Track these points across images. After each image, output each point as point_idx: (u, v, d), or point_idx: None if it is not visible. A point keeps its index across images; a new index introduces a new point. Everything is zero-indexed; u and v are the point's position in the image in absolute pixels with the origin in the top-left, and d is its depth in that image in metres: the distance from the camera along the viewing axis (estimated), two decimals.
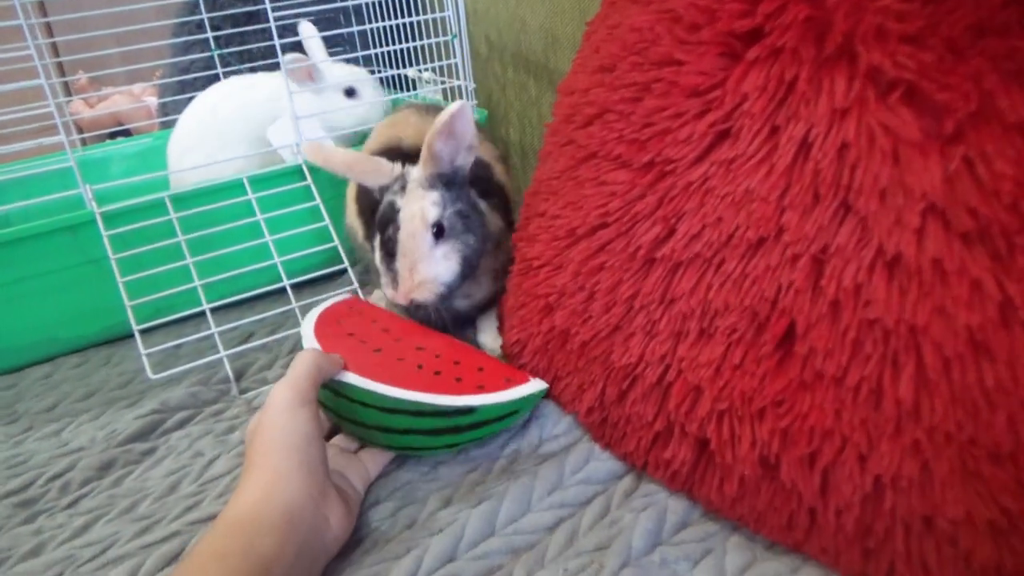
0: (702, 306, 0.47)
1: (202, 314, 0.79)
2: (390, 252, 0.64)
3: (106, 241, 0.78)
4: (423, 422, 0.55)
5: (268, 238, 0.84)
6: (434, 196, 0.63)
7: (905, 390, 0.39)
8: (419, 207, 0.62)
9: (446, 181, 0.64)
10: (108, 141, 1.40)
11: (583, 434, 0.58)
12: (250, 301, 0.89)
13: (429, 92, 1.12)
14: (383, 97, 1.07)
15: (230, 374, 0.75)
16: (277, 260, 0.82)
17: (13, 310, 0.81)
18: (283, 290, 0.82)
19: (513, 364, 0.67)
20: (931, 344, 0.38)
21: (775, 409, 0.43)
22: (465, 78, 0.98)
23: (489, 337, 0.74)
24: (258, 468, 0.47)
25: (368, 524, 0.53)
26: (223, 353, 0.75)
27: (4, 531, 0.58)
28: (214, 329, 0.76)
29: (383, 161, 0.67)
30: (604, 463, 0.55)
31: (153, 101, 1.70)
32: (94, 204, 0.80)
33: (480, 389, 0.55)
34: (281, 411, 0.49)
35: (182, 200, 0.83)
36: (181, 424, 0.70)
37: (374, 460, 0.58)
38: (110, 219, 0.80)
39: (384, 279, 0.66)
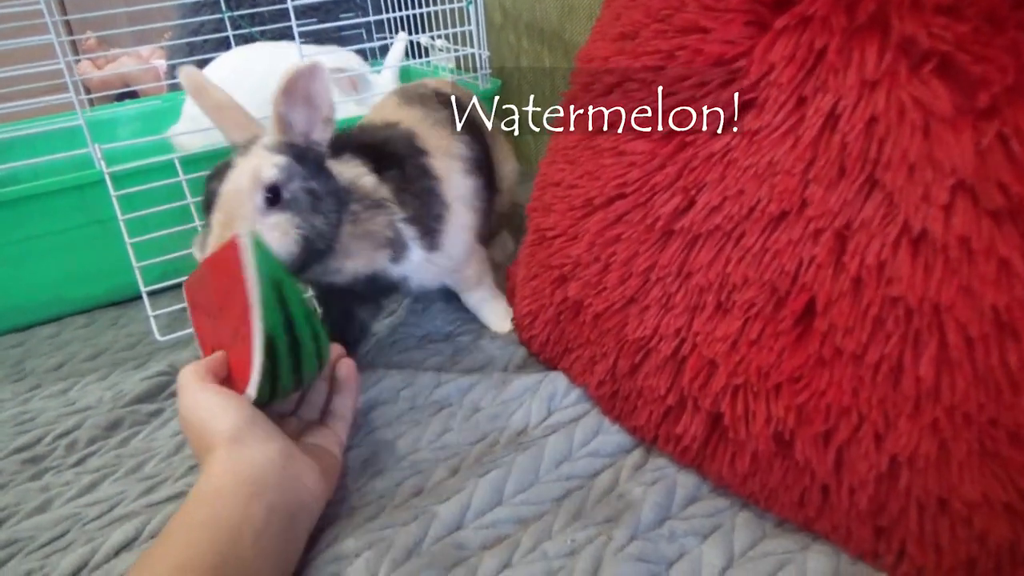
0: (720, 280, 0.46)
1: None
2: (208, 206, 0.55)
3: (115, 202, 0.77)
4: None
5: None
6: (278, 159, 0.54)
7: (926, 369, 0.38)
8: (254, 164, 0.54)
9: (298, 154, 0.56)
10: (115, 103, 1.39)
11: (592, 407, 0.58)
12: None
13: (442, 60, 1.10)
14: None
15: None
16: None
17: (21, 269, 0.81)
18: None
19: (524, 335, 0.66)
20: (955, 323, 0.37)
21: (792, 385, 0.43)
22: (479, 46, 0.96)
23: (496, 319, 0.73)
24: (207, 449, 0.46)
25: (374, 491, 0.53)
26: None
27: (12, 487, 0.58)
28: None
29: (256, 121, 0.60)
30: (613, 436, 0.55)
31: (161, 64, 1.68)
32: (103, 164, 0.79)
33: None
34: (195, 390, 0.48)
35: (192, 162, 0.82)
36: None
37: (342, 425, 0.56)
38: (119, 180, 0.79)
39: (196, 239, 0.56)
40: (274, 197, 0.54)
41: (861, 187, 0.40)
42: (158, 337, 0.73)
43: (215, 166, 0.57)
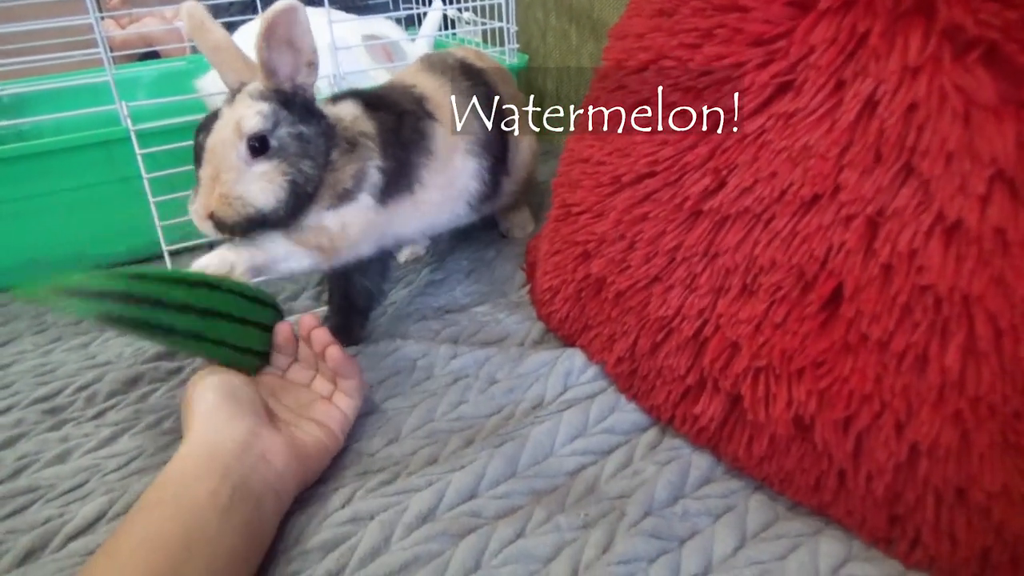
0: (747, 262, 0.46)
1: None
2: (197, 160, 0.55)
3: (140, 160, 0.77)
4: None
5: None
6: (262, 107, 0.54)
7: (952, 359, 0.38)
8: (238, 114, 0.54)
9: (284, 99, 0.55)
10: (136, 62, 1.39)
11: (609, 385, 0.58)
12: None
13: (468, 33, 1.09)
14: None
15: None
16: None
17: (43, 223, 0.81)
18: None
19: (543, 311, 0.66)
20: (984, 314, 0.37)
21: (815, 370, 0.43)
22: (508, 20, 0.95)
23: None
24: (185, 431, 0.48)
25: (390, 457, 0.54)
26: (252, 281, 0.75)
27: (32, 436, 0.59)
28: None
29: (253, 66, 0.57)
30: (629, 414, 0.55)
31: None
32: (129, 122, 0.79)
33: None
34: (195, 381, 0.51)
35: None
36: None
37: (348, 403, 0.55)
38: (144, 138, 0.79)
39: (191, 194, 0.56)
40: (260, 146, 0.54)
41: (897, 174, 0.40)
42: None
43: (203, 119, 0.57)
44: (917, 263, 0.39)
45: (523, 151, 0.82)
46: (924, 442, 0.39)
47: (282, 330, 0.57)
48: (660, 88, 0.51)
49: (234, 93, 0.57)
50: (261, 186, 0.54)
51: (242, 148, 0.53)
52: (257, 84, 0.56)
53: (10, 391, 0.64)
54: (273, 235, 0.59)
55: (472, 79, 0.74)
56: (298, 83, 0.57)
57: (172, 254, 0.75)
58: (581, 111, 0.64)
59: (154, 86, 1.11)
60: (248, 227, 0.55)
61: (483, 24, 1.03)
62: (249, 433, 0.47)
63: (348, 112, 0.60)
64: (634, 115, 0.53)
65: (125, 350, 0.70)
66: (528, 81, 1.25)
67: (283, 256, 0.60)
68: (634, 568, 0.43)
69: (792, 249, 0.44)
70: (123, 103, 0.79)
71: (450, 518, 0.48)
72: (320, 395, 0.56)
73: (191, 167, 0.78)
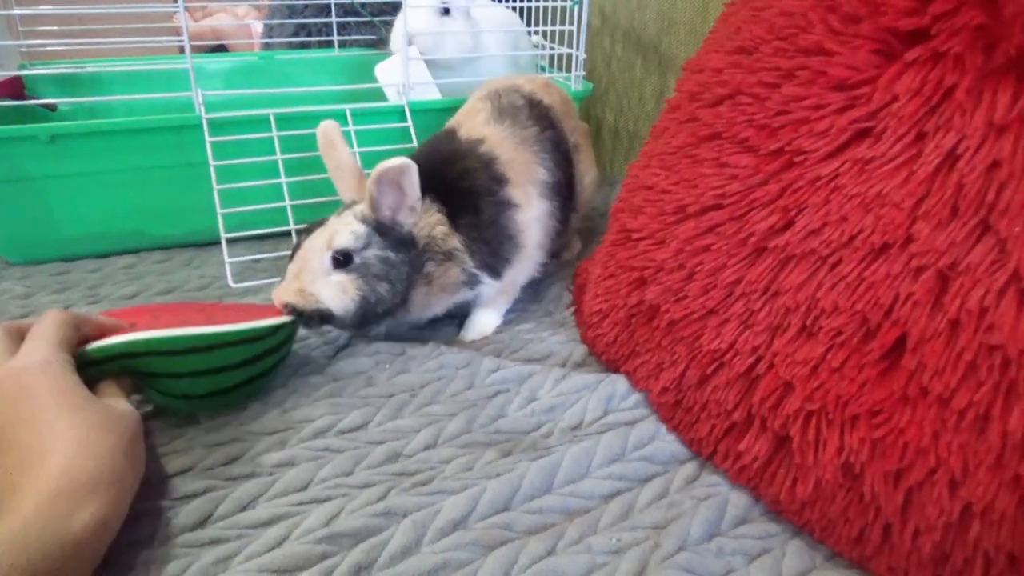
0: (808, 303, 0.46)
1: (281, 234, 0.81)
2: (292, 256, 0.62)
3: (208, 147, 0.79)
4: (232, 354, 0.55)
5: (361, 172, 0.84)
6: (357, 228, 0.61)
7: (1016, 422, 0.37)
8: (335, 228, 0.61)
9: (380, 228, 0.62)
10: (206, 53, 1.43)
11: (650, 413, 0.58)
12: None
13: (538, 56, 1.11)
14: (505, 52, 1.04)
15: None
16: None
17: (110, 198, 0.84)
18: None
19: (590, 334, 0.66)
20: None
21: (870, 419, 0.42)
22: (577, 47, 0.97)
23: (479, 328, 0.72)
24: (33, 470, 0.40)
25: (427, 461, 0.54)
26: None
27: None
28: None
29: (359, 185, 0.66)
30: (668, 445, 0.55)
31: (256, 23, 1.73)
32: (202, 109, 0.81)
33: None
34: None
35: (286, 120, 0.84)
36: None
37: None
38: (215, 127, 0.81)
39: (277, 281, 0.64)
40: (344, 260, 0.60)
41: (973, 230, 0.40)
42: (231, 283, 0.75)
43: (311, 222, 0.64)
44: (987, 321, 0.39)
45: (588, 186, 0.84)
46: (978, 504, 0.38)
47: None
48: (733, 123, 0.51)
49: (343, 209, 0.64)
50: (333, 292, 0.60)
51: (326, 258, 0.60)
52: (364, 207, 0.63)
53: None
54: (490, 310, 0.73)
55: (541, 123, 0.76)
56: (398, 220, 0.63)
57: (229, 241, 0.77)
58: (646, 140, 0.65)
59: (225, 78, 1.14)
60: (317, 321, 0.61)
61: (552, 49, 1.04)
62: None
63: (439, 230, 0.66)
64: (704, 147, 0.54)
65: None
66: (587, 107, 1.26)
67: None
68: None
69: (857, 295, 0.43)
70: (199, 91, 0.81)
71: (482, 528, 0.47)
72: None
73: (256, 159, 0.80)
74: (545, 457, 0.52)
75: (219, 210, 0.77)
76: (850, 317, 0.44)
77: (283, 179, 0.80)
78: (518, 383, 0.62)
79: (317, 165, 0.83)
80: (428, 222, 0.65)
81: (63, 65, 1.03)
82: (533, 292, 0.81)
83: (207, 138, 0.80)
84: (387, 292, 0.62)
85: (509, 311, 0.77)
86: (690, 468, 0.53)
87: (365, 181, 0.65)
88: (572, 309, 0.75)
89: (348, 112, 0.87)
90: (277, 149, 0.82)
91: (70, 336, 0.49)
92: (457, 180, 0.67)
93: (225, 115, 0.82)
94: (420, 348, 0.68)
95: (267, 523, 0.48)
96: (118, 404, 0.48)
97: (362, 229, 0.61)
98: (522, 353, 0.69)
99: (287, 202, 0.79)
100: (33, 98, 0.96)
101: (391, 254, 0.62)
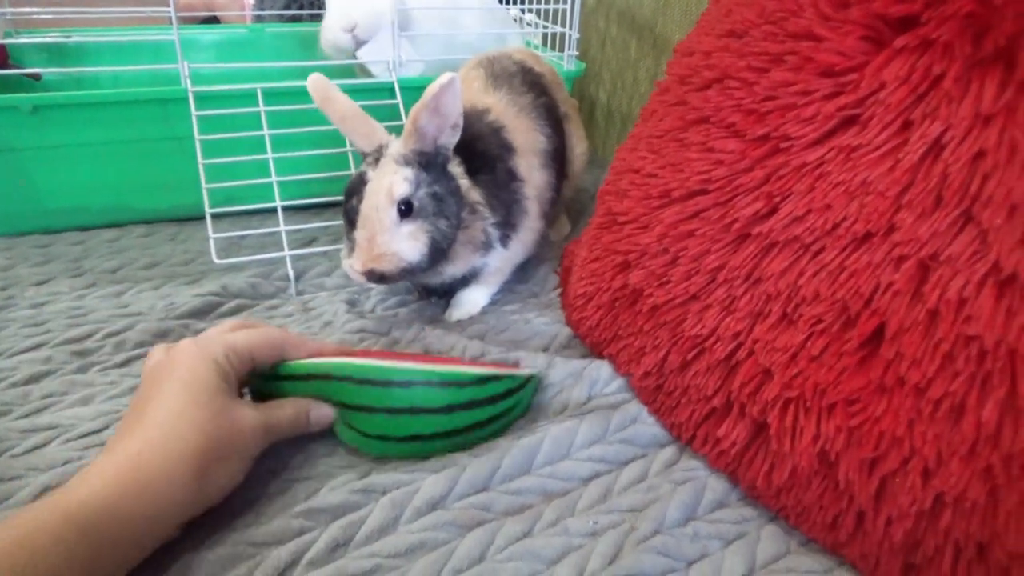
0: (789, 290, 0.46)
1: (268, 210, 0.80)
2: (351, 221, 0.61)
3: (194, 121, 0.78)
4: (431, 395, 0.51)
5: (349, 148, 0.84)
6: (407, 172, 0.60)
7: (990, 413, 0.37)
8: (388, 181, 0.59)
9: (425, 161, 0.62)
10: (197, 25, 1.41)
11: (632, 397, 0.58)
12: (318, 207, 0.89)
13: (530, 35, 1.10)
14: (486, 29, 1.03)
15: (291, 273, 0.76)
16: (354, 172, 0.82)
17: (93, 171, 0.83)
18: None
19: (574, 316, 0.66)
20: None
21: (847, 407, 0.42)
22: (570, 27, 0.95)
23: (466, 307, 0.72)
24: (138, 420, 0.44)
25: None
26: (288, 252, 0.76)
27: (59, 375, 0.60)
28: (282, 227, 0.77)
29: (378, 127, 0.64)
30: (649, 428, 0.55)
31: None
32: (189, 82, 0.80)
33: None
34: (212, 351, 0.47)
35: (273, 95, 0.83)
36: (237, 310, 0.71)
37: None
38: (201, 100, 0.80)
39: (344, 249, 0.63)
40: (406, 208, 0.60)
41: (955, 220, 0.40)
42: (215, 259, 0.74)
43: (351, 180, 0.63)
44: (965, 312, 0.39)
45: (579, 157, 0.84)
46: (950, 493, 0.39)
47: None
48: (721, 107, 0.51)
49: (375, 157, 0.62)
50: (410, 244, 0.60)
51: (393, 212, 0.59)
52: (398, 147, 0.62)
53: (42, 329, 0.66)
54: (481, 287, 0.72)
55: (534, 90, 0.77)
56: (440, 144, 0.62)
57: (214, 217, 0.76)
58: (636, 122, 0.64)
59: (213, 51, 1.12)
60: (400, 277, 0.61)
61: (545, 28, 1.03)
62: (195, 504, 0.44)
63: (463, 182, 0.65)
64: (691, 131, 0.53)
65: (158, 303, 0.71)
66: (580, 88, 1.25)
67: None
68: None
69: (838, 283, 0.43)
70: (185, 63, 0.80)
71: (460, 508, 0.48)
72: None
73: (243, 134, 0.79)
74: (526, 437, 0.52)
75: (204, 185, 0.76)
76: (830, 305, 0.44)
77: (270, 155, 0.79)
78: None
79: (304, 141, 0.83)
80: (454, 171, 0.65)
81: (49, 34, 1.02)
82: (520, 273, 0.81)
83: (193, 112, 0.79)
84: (447, 227, 0.62)
85: (498, 290, 0.77)
86: (670, 452, 0.54)
87: (375, 123, 0.64)
88: (558, 291, 0.75)
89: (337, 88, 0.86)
90: (264, 124, 0.81)
91: (253, 351, 0.50)
92: (471, 143, 0.66)
93: (211, 88, 0.81)
94: (405, 331, 0.67)
95: (246, 498, 0.48)
96: (247, 413, 0.47)
97: (409, 172, 0.60)
98: (507, 334, 0.69)
99: (274, 178, 0.78)
100: (17, 67, 0.94)
101: (437, 188, 0.61)
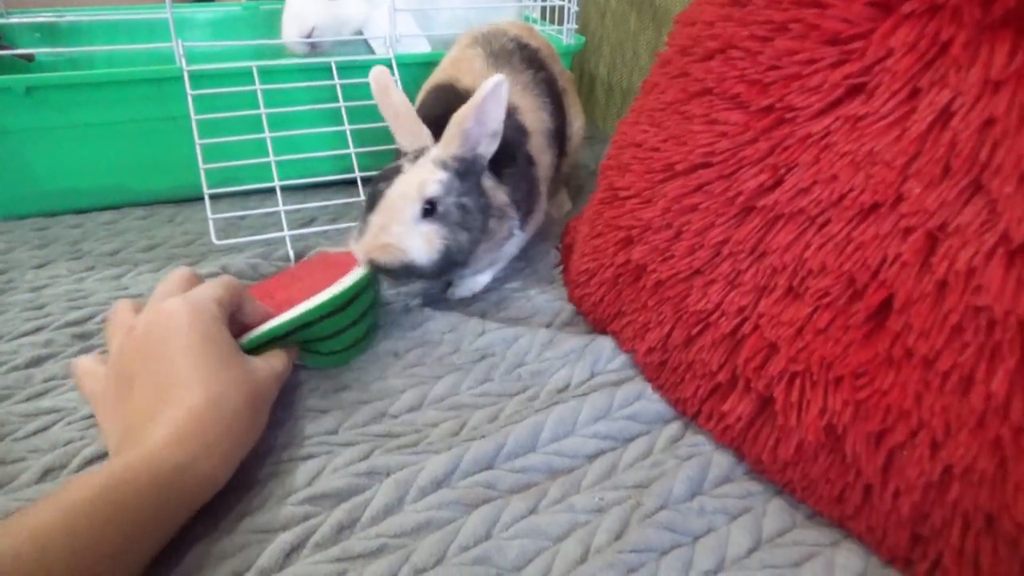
0: (795, 263, 0.45)
1: (266, 190, 0.80)
2: (371, 205, 0.60)
3: (190, 100, 0.77)
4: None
5: (347, 127, 0.83)
6: (442, 175, 0.59)
7: (999, 384, 0.37)
8: (423, 177, 0.59)
9: (464, 169, 0.61)
10: (192, 2, 1.39)
11: (636, 374, 0.58)
12: (317, 187, 0.89)
13: (528, 8, 1.08)
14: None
15: (291, 253, 0.75)
16: (352, 151, 0.82)
17: (89, 152, 0.82)
18: (350, 181, 0.83)
19: (577, 293, 0.66)
20: None
21: (853, 380, 0.42)
22: (570, 0, 0.94)
23: (467, 287, 0.72)
24: (162, 403, 0.43)
25: (412, 423, 0.54)
26: (287, 232, 0.76)
27: (61, 358, 0.60)
28: (281, 207, 0.76)
29: (425, 130, 0.63)
30: (654, 404, 0.55)
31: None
32: (183, 61, 0.79)
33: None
34: (202, 309, 0.47)
35: (270, 73, 0.82)
36: None
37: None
38: (197, 79, 0.79)
39: (355, 231, 0.61)
40: (430, 209, 0.59)
41: (964, 190, 0.39)
42: (214, 240, 0.74)
43: (385, 168, 0.62)
44: (974, 283, 0.38)
45: (577, 132, 0.83)
46: (959, 465, 0.38)
47: None
48: (724, 78, 0.50)
49: (416, 155, 0.62)
50: (421, 244, 0.58)
51: (417, 207, 0.58)
52: (438, 151, 0.61)
53: (43, 312, 0.65)
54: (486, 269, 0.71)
55: (533, 66, 0.75)
56: (479, 151, 0.61)
57: (212, 197, 0.75)
58: (637, 96, 0.63)
59: (208, 28, 1.11)
60: (402, 275, 0.60)
61: (544, 1, 1.02)
62: (226, 463, 0.45)
63: (488, 184, 0.64)
64: (694, 103, 0.52)
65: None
66: (580, 62, 1.24)
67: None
68: (645, 558, 0.43)
69: (845, 256, 0.43)
70: (179, 42, 0.79)
71: (465, 487, 0.47)
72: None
73: (240, 113, 0.78)
74: (530, 418, 0.52)
75: (202, 165, 0.75)
76: (837, 278, 0.43)
77: (267, 134, 0.79)
78: (504, 347, 0.62)
79: (300, 120, 0.82)
80: (485, 184, 0.64)
81: (42, 14, 1.00)
82: (522, 250, 0.80)
83: (188, 91, 0.78)
84: (466, 241, 0.61)
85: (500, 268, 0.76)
86: (674, 428, 0.53)
87: (424, 126, 0.64)
88: (560, 268, 0.74)
89: (334, 65, 0.85)
90: (261, 103, 0.80)
91: (230, 301, 0.50)
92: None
93: (206, 67, 0.80)
94: (406, 315, 0.67)
95: (245, 481, 0.48)
96: (260, 365, 0.50)
97: (445, 176, 0.59)
98: (509, 312, 0.68)
99: (271, 158, 0.77)
100: (10, 47, 0.93)
101: (467, 200, 0.60)
